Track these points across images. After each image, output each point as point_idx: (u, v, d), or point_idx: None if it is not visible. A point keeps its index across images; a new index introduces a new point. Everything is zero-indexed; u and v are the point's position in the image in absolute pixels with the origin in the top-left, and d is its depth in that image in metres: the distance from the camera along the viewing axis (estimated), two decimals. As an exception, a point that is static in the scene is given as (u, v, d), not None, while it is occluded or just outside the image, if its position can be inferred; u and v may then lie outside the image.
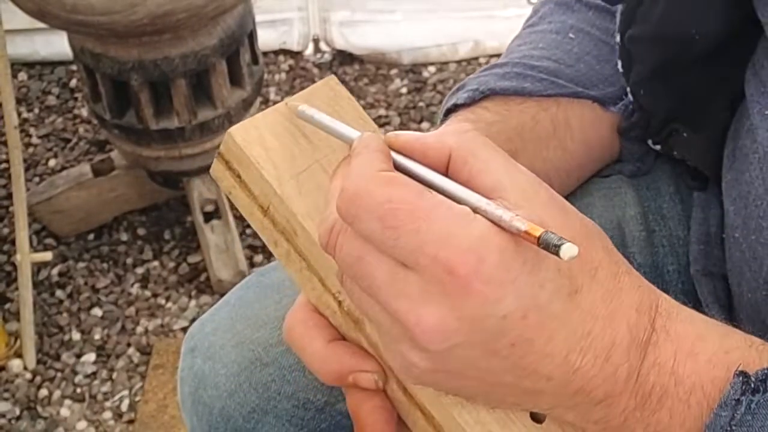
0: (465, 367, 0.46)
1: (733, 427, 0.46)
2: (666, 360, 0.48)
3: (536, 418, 0.51)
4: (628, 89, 0.70)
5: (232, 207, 1.77)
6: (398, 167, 0.48)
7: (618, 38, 0.69)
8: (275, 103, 2.10)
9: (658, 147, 0.73)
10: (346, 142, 0.51)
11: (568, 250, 0.41)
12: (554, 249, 0.41)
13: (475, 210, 0.44)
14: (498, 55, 2.24)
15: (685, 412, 0.48)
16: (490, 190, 0.46)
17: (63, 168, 1.98)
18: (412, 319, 0.44)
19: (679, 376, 0.48)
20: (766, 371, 0.47)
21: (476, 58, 2.20)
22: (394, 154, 0.49)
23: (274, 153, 0.53)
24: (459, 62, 2.20)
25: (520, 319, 0.44)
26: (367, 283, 0.46)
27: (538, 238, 0.42)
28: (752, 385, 0.46)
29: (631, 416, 0.48)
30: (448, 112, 0.70)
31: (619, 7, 0.69)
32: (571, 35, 0.73)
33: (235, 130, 0.53)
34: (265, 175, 0.52)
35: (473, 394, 0.49)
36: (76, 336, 1.71)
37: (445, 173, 0.47)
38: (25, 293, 1.62)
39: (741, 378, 0.47)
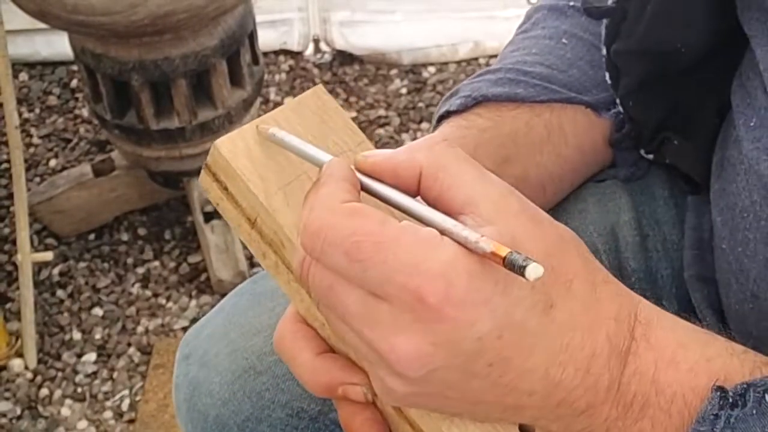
0: (444, 388, 0.46)
1: None
2: (647, 369, 0.48)
3: (525, 428, 0.51)
4: (618, 100, 0.70)
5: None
6: (366, 189, 0.48)
7: (604, 51, 0.68)
8: (275, 103, 2.10)
9: (650, 156, 0.73)
10: (317, 165, 0.50)
11: (533, 271, 0.41)
12: (520, 270, 0.41)
13: (442, 232, 0.44)
14: (497, 56, 2.23)
15: (667, 421, 0.47)
16: (461, 205, 0.46)
17: (64, 168, 1.98)
18: (386, 347, 0.44)
19: (660, 384, 0.47)
20: (744, 385, 0.47)
21: (476, 59, 2.20)
22: (362, 177, 0.48)
23: (260, 165, 0.52)
24: (459, 63, 2.19)
25: (496, 339, 0.44)
26: (340, 311, 0.46)
27: (504, 258, 0.41)
28: (730, 400, 0.46)
29: (613, 426, 0.48)
30: (441, 118, 0.69)
31: (605, 20, 0.68)
32: (564, 41, 0.72)
33: (220, 142, 0.52)
34: (252, 188, 0.51)
35: (457, 412, 0.49)
36: (77, 335, 1.71)
37: (417, 190, 0.47)
38: (26, 293, 1.62)
39: (719, 393, 0.47)
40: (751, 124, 0.60)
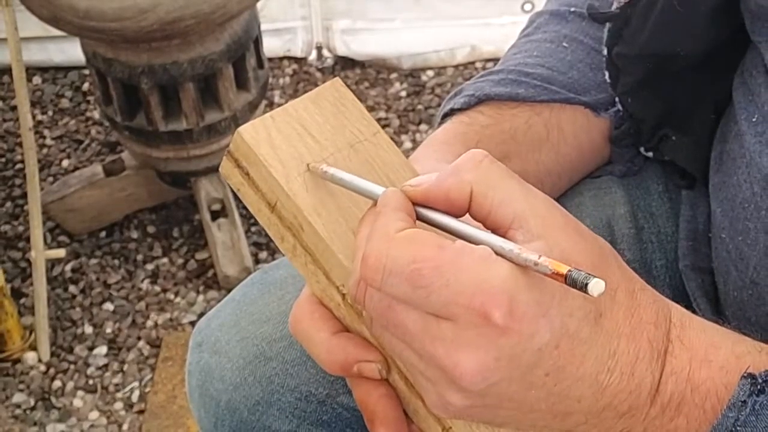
0: (502, 400, 0.46)
1: (738, 428, 0.46)
2: (682, 368, 0.48)
3: None
4: (617, 98, 0.70)
5: (238, 206, 1.76)
6: (420, 217, 0.48)
7: (605, 51, 0.69)
8: (280, 106, 2.10)
9: (650, 154, 0.73)
10: (372, 198, 0.50)
11: (595, 287, 0.41)
12: (582, 286, 0.41)
13: (502, 255, 0.44)
14: (493, 60, 2.24)
15: (701, 417, 0.48)
16: (510, 221, 0.46)
17: (76, 168, 1.97)
18: (450, 363, 0.44)
19: (694, 382, 0.48)
20: None
21: (473, 63, 2.19)
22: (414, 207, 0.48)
23: (281, 151, 0.52)
24: (456, 67, 2.19)
25: (554, 348, 0.44)
26: (399, 331, 0.45)
27: (565, 276, 0.41)
28: (758, 386, 0.47)
29: (651, 424, 0.48)
30: (445, 116, 0.69)
31: (607, 24, 0.69)
32: (564, 44, 0.73)
33: (244, 129, 0.52)
34: (273, 173, 0.52)
35: (506, 422, 0.49)
36: (89, 329, 1.71)
37: (467, 209, 0.47)
38: (40, 288, 1.62)
39: (749, 380, 0.47)
40: (754, 119, 0.60)
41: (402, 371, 0.52)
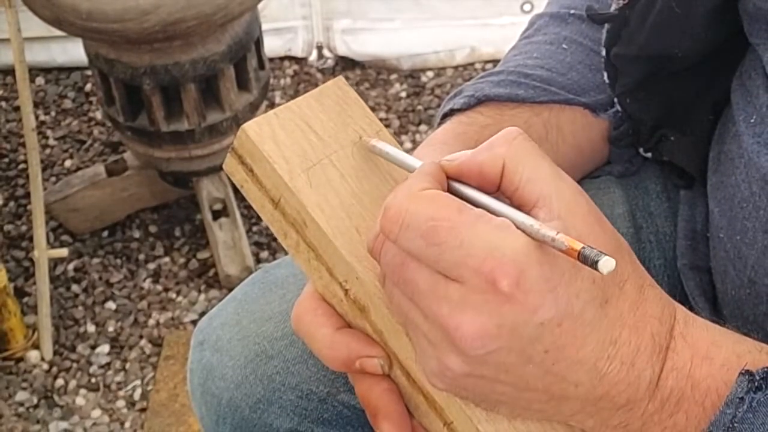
0: (499, 372, 0.46)
1: (735, 425, 0.46)
2: (683, 364, 0.48)
3: None
4: (615, 99, 0.70)
5: (240, 205, 1.77)
6: (452, 191, 0.49)
7: (604, 52, 0.69)
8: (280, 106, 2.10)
9: (648, 154, 0.73)
10: (410, 170, 0.51)
11: (605, 265, 0.42)
12: (593, 263, 0.42)
13: (519, 227, 0.45)
14: (493, 61, 2.24)
15: (701, 414, 0.48)
16: (536, 198, 0.46)
17: (78, 168, 1.97)
18: (453, 324, 0.44)
19: (695, 379, 0.48)
20: (767, 369, 0.47)
21: (472, 64, 2.19)
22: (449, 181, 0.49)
23: (285, 148, 0.52)
24: (456, 68, 2.19)
25: (556, 326, 0.45)
26: (409, 288, 0.46)
27: (579, 252, 0.42)
28: (756, 383, 0.47)
29: (649, 420, 0.48)
30: (445, 116, 0.69)
31: (606, 25, 0.69)
32: (564, 46, 0.73)
33: (248, 125, 0.53)
34: (277, 169, 0.52)
35: (500, 401, 0.49)
36: (91, 328, 1.71)
37: (499, 185, 0.48)
38: (43, 288, 1.62)
39: (747, 377, 0.47)
40: (752, 120, 0.60)
41: (404, 366, 0.52)
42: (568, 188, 0.47)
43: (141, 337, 1.69)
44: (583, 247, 0.42)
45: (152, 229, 1.87)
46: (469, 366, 0.46)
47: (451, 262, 0.44)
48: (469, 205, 0.46)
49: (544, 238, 0.44)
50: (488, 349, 0.45)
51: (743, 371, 0.47)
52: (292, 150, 0.52)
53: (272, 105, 2.09)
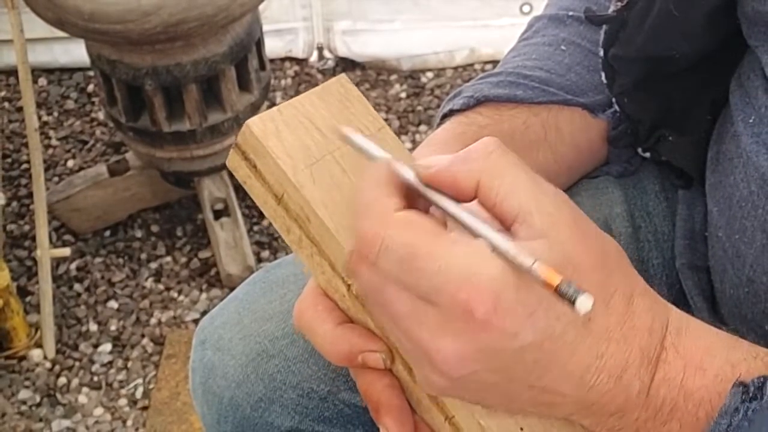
0: (483, 388, 0.46)
1: None
2: (675, 375, 0.48)
3: None
4: (613, 99, 0.70)
5: (241, 205, 1.77)
6: (427, 197, 0.48)
7: (602, 52, 0.69)
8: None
9: (647, 154, 0.73)
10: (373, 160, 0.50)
11: (582, 304, 0.41)
12: (570, 300, 0.41)
13: (498, 252, 0.44)
14: (492, 62, 2.24)
15: (694, 423, 0.48)
16: (515, 215, 0.45)
17: (81, 168, 1.97)
18: (434, 347, 0.44)
19: (688, 390, 0.48)
20: (762, 379, 0.47)
21: (472, 65, 2.19)
22: (421, 186, 0.48)
23: (289, 144, 0.52)
24: (455, 68, 2.19)
25: (537, 348, 0.44)
26: (389, 310, 0.46)
27: (556, 288, 0.41)
28: (750, 394, 0.46)
29: (642, 427, 0.48)
30: (444, 116, 0.70)
31: (604, 26, 0.69)
32: (562, 47, 0.73)
33: (252, 121, 0.52)
34: (281, 164, 0.52)
35: (494, 406, 0.49)
36: (93, 327, 1.71)
37: (474, 197, 0.47)
38: (45, 287, 1.62)
39: (741, 388, 0.47)
40: (750, 120, 0.60)
41: (405, 361, 0.52)
42: (550, 200, 0.46)
43: (143, 336, 1.69)
44: (560, 283, 0.41)
45: (154, 228, 1.87)
46: (452, 383, 0.46)
47: (429, 288, 0.44)
48: (442, 228, 0.45)
49: (521, 266, 0.43)
50: (469, 371, 0.45)
51: (737, 383, 0.47)
52: (295, 146, 0.52)
53: (273, 105, 2.07)
